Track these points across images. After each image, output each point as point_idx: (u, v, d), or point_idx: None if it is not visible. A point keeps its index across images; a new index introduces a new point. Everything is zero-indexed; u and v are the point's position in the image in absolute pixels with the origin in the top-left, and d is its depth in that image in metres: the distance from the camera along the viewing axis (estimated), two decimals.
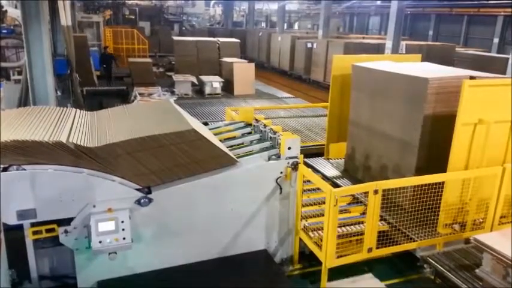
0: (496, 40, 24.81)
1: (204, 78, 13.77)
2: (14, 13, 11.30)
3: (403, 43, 15.82)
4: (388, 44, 14.62)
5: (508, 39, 24.25)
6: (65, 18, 9.79)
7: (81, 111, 5.14)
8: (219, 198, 4.56)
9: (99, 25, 20.95)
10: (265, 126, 5.52)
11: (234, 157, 4.62)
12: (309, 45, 19.71)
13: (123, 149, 4.01)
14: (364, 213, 5.11)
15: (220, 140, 5.42)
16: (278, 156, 4.84)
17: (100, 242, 3.96)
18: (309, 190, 5.81)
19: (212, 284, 4.37)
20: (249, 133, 5.82)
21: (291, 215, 4.96)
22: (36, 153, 3.78)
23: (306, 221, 5.04)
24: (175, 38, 18.01)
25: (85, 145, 3.90)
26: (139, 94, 12.04)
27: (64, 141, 3.76)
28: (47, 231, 4.03)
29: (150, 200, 4.24)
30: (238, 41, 17.42)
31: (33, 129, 3.98)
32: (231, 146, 5.26)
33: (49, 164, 3.90)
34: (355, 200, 5.77)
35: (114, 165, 4.07)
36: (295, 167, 4.79)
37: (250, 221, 4.78)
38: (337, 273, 4.54)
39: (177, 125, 4.34)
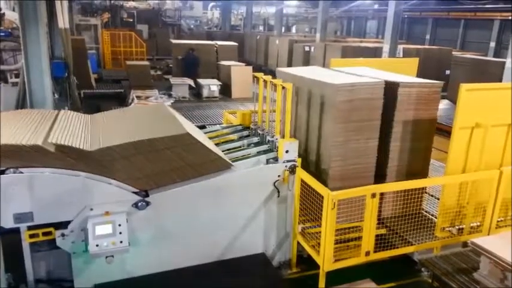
0: (492, 44, 24.87)
1: (202, 81, 13.77)
2: (11, 16, 11.27)
3: (400, 47, 15.85)
4: (385, 47, 14.65)
5: (504, 43, 24.31)
6: (63, 21, 9.76)
7: (76, 113, 5.10)
8: (217, 201, 4.56)
9: (97, 28, 20.91)
10: (262, 129, 5.52)
11: (229, 161, 4.61)
12: (307, 48, 19.73)
13: (117, 153, 3.98)
14: None
15: (218, 143, 5.43)
16: (276, 160, 4.84)
17: (97, 245, 3.95)
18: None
19: None
20: (247, 136, 5.82)
21: (289, 218, 4.96)
22: (15, 156, 3.74)
23: (304, 224, 5.03)
24: (173, 41, 18.01)
25: (75, 147, 3.82)
26: (137, 97, 12.04)
27: (40, 143, 3.69)
28: (44, 234, 4.01)
29: (148, 203, 4.23)
30: (236, 44, 17.42)
31: (17, 132, 3.92)
32: (229, 149, 5.26)
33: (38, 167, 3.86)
34: None
35: (108, 168, 4.05)
36: (293, 170, 4.79)
37: (248, 224, 4.78)
38: (335, 276, 4.54)
39: (171, 128, 4.31)
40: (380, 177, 5.18)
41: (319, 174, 5.01)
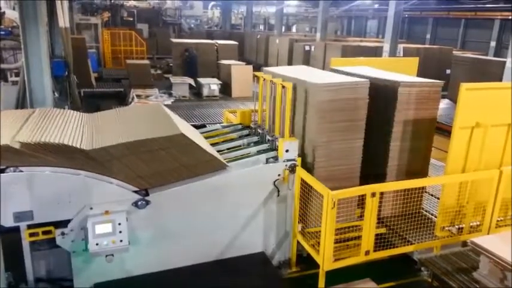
0: (493, 43, 24.86)
1: (202, 80, 13.77)
2: (11, 15, 11.27)
3: (401, 46, 15.83)
4: (386, 47, 14.63)
5: (504, 42, 24.29)
6: (63, 20, 9.77)
7: (75, 112, 5.07)
8: (217, 200, 4.56)
9: (97, 27, 20.91)
10: (263, 128, 5.52)
11: (224, 161, 4.60)
12: (307, 48, 19.70)
13: (109, 154, 3.97)
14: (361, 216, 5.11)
15: (218, 142, 5.43)
16: (276, 159, 4.84)
17: (97, 244, 3.96)
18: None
19: (209, 287, 4.35)
20: (247, 135, 5.83)
21: (289, 217, 4.96)
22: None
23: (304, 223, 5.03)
24: (174, 40, 18.00)
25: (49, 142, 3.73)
26: (137, 96, 12.04)
27: (8, 142, 3.61)
28: (44, 233, 4.02)
29: (148, 202, 4.23)
30: (236, 43, 17.40)
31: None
32: (229, 148, 5.26)
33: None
34: None
35: (107, 168, 4.04)
36: (292, 169, 4.79)
37: (248, 224, 4.78)
38: (334, 276, 4.54)
39: (166, 129, 4.28)
40: (380, 176, 5.18)
41: None
